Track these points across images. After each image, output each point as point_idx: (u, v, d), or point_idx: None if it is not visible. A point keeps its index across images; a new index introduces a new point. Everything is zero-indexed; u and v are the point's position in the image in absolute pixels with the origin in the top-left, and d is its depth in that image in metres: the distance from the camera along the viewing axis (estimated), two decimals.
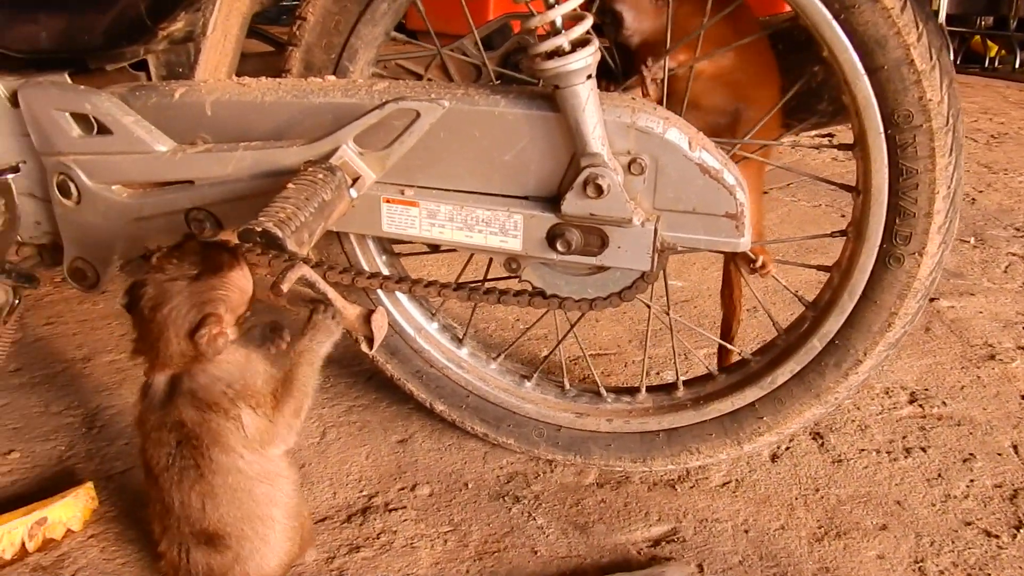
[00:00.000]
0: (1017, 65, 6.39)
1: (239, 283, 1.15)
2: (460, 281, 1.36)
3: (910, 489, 1.44)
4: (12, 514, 1.31)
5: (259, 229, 0.99)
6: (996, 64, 6.74)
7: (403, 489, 1.45)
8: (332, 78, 1.27)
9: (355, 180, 1.16)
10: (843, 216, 2.66)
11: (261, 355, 1.21)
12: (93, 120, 1.25)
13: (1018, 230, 2.72)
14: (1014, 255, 2.49)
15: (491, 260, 1.35)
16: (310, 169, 1.11)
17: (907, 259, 1.20)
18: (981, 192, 3.14)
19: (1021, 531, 1.34)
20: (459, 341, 1.50)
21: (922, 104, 1.11)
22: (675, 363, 1.48)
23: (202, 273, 1.12)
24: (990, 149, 3.81)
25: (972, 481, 1.46)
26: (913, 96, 1.11)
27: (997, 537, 1.34)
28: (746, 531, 1.35)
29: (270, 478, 1.17)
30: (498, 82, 1.39)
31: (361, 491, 1.44)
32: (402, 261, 1.51)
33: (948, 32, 6.52)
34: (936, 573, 1.27)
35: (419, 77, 1.47)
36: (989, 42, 6.69)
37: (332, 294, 1.26)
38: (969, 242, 2.60)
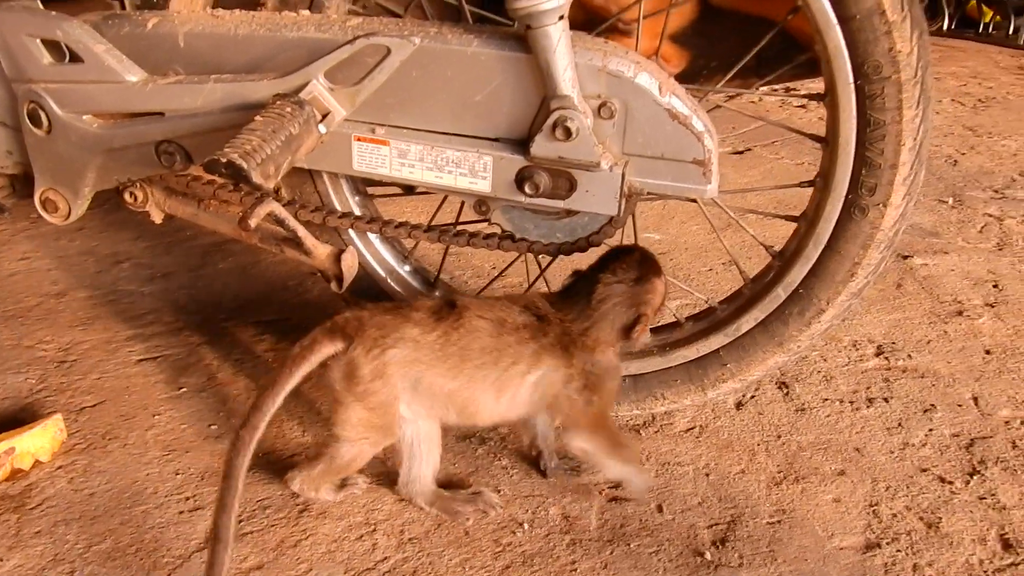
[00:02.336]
0: (1011, 31, 6.35)
1: (660, 289, 1.26)
2: (431, 223, 1.36)
3: (870, 437, 1.47)
4: None
5: (224, 160, 1.00)
6: (991, 29, 6.70)
7: None
8: (307, 13, 1.26)
9: (325, 116, 1.16)
10: None
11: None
12: (65, 48, 1.24)
13: (996, 192, 2.73)
14: (990, 216, 2.50)
15: (463, 203, 1.36)
16: (279, 103, 1.11)
17: (872, 210, 1.22)
18: (964, 154, 3.14)
19: (974, 478, 1.38)
20: (431, 284, 1.51)
21: (892, 55, 1.12)
22: None
23: (639, 278, 1.24)
24: (976, 113, 3.81)
25: (931, 430, 1.49)
26: (883, 47, 1.11)
27: (951, 483, 1.37)
28: (707, 474, 1.38)
29: None
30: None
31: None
32: (384, 206, 1.52)
33: None
34: (889, 516, 1.30)
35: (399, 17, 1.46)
36: (984, 7, 6.64)
37: (302, 232, 1.27)
38: (947, 202, 2.62)
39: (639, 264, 1.25)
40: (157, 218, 1.46)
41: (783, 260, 1.33)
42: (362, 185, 1.47)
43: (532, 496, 1.33)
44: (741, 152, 3.02)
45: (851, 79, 1.15)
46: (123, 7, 1.31)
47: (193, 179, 1.35)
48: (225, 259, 2.03)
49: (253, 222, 1.22)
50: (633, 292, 1.23)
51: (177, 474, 1.36)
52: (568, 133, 1.13)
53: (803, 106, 3.13)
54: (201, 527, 1.25)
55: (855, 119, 1.17)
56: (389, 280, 1.49)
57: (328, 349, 1.21)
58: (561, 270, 1.99)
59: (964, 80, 4.48)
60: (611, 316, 1.23)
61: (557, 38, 1.08)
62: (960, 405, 1.55)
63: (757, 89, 1.44)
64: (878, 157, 1.18)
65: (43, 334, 1.70)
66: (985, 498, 1.34)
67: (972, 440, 1.47)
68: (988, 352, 1.74)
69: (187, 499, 1.31)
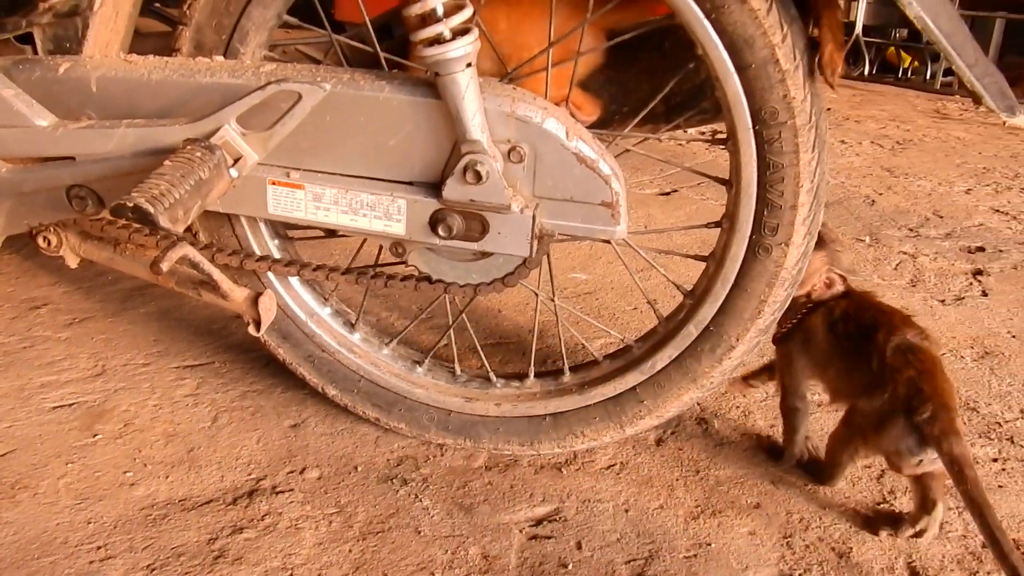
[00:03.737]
0: (928, 76, 6.64)
1: None
2: (350, 266, 1.37)
3: (786, 470, 1.50)
4: None
5: (131, 205, 1.00)
6: (909, 75, 6.99)
7: (292, 472, 1.45)
8: (221, 59, 1.27)
9: (237, 160, 1.17)
10: None
11: None
12: None
13: (911, 230, 2.84)
14: (905, 254, 2.60)
15: (382, 246, 1.37)
16: (188, 147, 1.11)
17: (775, 249, 1.26)
18: (881, 195, 3.27)
19: (881, 507, 1.42)
20: (351, 326, 1.51)
21: (786, 102, 1.17)
22: (561, 349, 1.52)
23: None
24: (894, 155, 3.96)
25: None
26: (778, 94, 1.17)
27: (863, 515, 1.41)
28: (626, 510, 1.40)
29: None
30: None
31: (249, 474, 1.45)
32: (312, 248, 1.52)
33: (864, 43, 6.70)
34: (803, 547, 1.33)
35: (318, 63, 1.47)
36: (903, 53, 6.95)
37: (217, 276, 1.26)
38: (864, 241, 2.71)
39: None
40: (72, 263, 1.44)
41: (694, 298, 1.36)
42: (282, 228, 1.47)
43: (452, 536, 1.33)
44: (668, 193, 3.10)
45: (750, 124, 1.20)
46: (35, 52, 1.30)
47: (107, 223, 1.34)
48: (146, 303, 2.00)
49: (165, 266, 1.22)
50: None
51: (89, 523, 1.33)
52: (479, 177, 1.16)
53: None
54: None
55: (756, 162, 1.22)
56: (310, 323, 1.49)
57: None
58: (492, 314, 2.03)
59: (883, 123, 4.67)
60: None
61: (465, 85, 1.11)
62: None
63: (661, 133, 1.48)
64: (778, 199, 1.23)
65: None
66: None
67: (882, 471, 1.51)
68: None
69: (98, 548, 1.28)
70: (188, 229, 1.43)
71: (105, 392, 1.65)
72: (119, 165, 1.22)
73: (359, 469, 1.47)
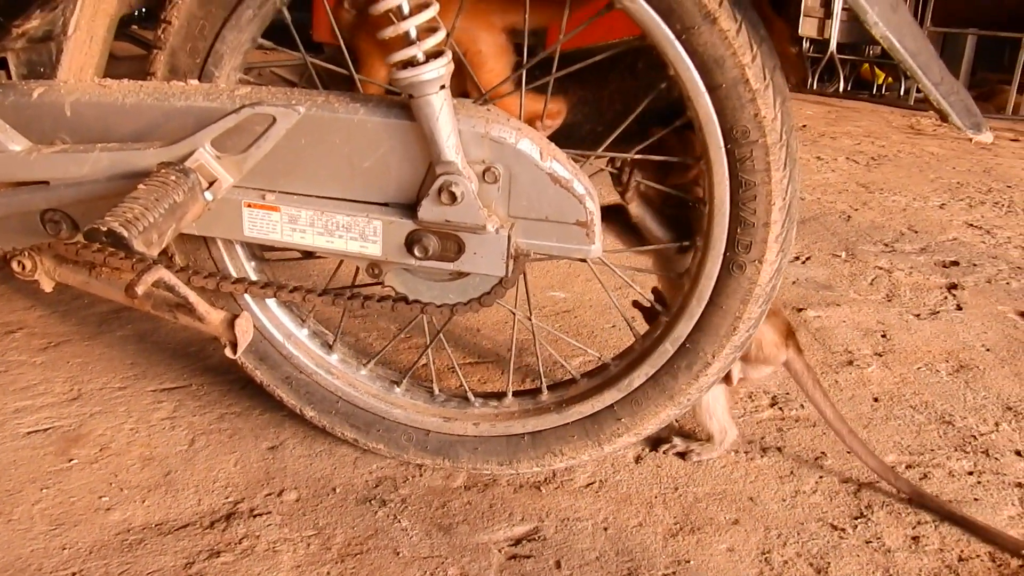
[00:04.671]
0: (903, 92, 6.73)
1: None
2: (327, 287, 1.37)
3: (763, 486, 1.51)
4: None
5: (104, 229, 1.00)
6: (883, 91, 7.08)
7: (270, 495, 1.45)
8: (195, 82, 1.28)
9: (212, 183, 1.17)
10: None
11: None
12: None
13: (887, 245, 2.87)
14: (880, 268, 2.63)
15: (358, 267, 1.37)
16: (163, 171, 1.11)
17: (748, 266, 1.27)
18: (857, 210, 3.30)
19: (861, 522, 1.43)
20: (329, 347, 1.51)
21: (757, 121, 1.18)
22: (539, 367, 1.52)
23: None
24: (869, 170, 4.01)
25: (821, 478, 1.54)
26: (749, 113, 1.18)
27: (840, 529, 1.41)
28: (605, 529, 1.40)
29: None
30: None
31: (227, 497, 1.44)
32: (290, 269, 1.52)
33: (839, 60, 6.77)
34: (781, 563, 1.33)
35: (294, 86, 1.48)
36: (877, 70, 7.04)
37: (193, 298, 1.26)
38: (840, 256, 2.74)
39: None
40: (47, 287, 1.43)
41: (670, 316, 1.37)
42: (258, 250, 1.47)
43: (431, 557, 1.32)
44: None
45: (722, 143, 1.21)
46: (9, 77, 1.30)
47: (82, 247, 1.33)
48: (123, 326, 1.99)
49: (140, 289, 1.21)
50: None
51: (64, 549, 1.31)
52: (454, 197, 1.16)
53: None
54: None
55: (728, 181, 1.23)
56: (287, 344, 1.48)
57: None
58: (471, 333, 2.03)
59: (858, 139, 4.72)
60: None
61: (439, 106, 1.12)
62: (848, 452, 1.61)
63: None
64: (751, 216, 1.24)
65: None
66: (871, 542, 1.39)
67: (860, 486, 1.52)
68: (876, 400, 1.82)
69: (73, 574, 1.26)
70: (164, 252, 1.43)
71: (81, 416, 1.64)
72: (93, 189, 1.22)
73: (337, 491, 1.46)
